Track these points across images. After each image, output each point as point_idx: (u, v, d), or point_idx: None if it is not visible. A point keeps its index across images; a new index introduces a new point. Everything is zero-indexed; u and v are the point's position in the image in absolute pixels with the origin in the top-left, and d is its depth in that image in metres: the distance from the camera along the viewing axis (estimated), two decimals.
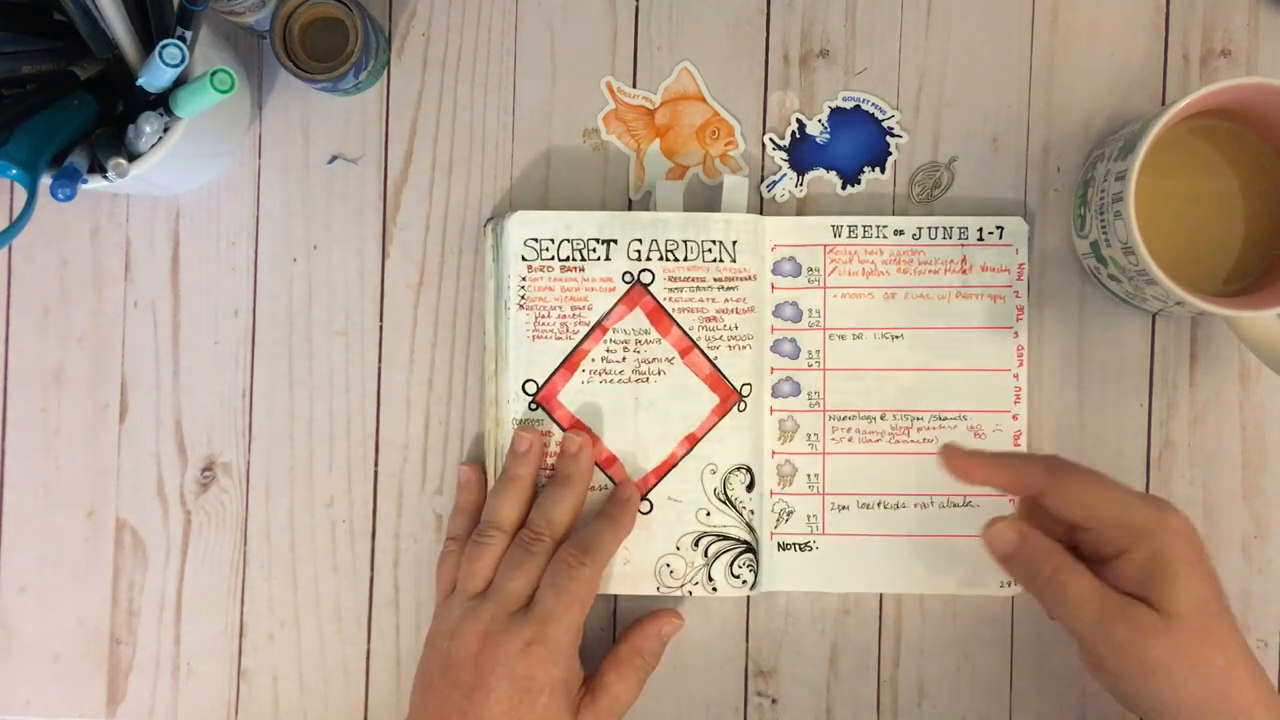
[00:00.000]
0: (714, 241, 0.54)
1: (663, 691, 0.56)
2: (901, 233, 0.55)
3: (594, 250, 0.54)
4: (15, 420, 0.57)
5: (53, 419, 0.57)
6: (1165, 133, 0.48)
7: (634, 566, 0.54)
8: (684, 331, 0.54)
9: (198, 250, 0.57)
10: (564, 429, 0.54)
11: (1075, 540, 0.47)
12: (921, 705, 0.56)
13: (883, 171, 0.56)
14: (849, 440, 0.55)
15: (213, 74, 0.45)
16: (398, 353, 0.56)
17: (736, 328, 0.54)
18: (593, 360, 0.54)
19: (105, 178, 0.47)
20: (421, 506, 0.56)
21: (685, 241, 0.54)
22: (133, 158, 0.48)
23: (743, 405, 0.54)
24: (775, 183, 0.56)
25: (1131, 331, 0.56)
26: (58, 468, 0.57)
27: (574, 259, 0.54)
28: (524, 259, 0.54)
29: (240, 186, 0.57)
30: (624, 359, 0.54)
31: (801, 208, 0.56)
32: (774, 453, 0.55)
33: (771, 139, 0.56)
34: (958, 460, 0.47)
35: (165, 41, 0.45)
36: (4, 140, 0.45)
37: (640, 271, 0.54)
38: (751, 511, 0.54)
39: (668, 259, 0.54)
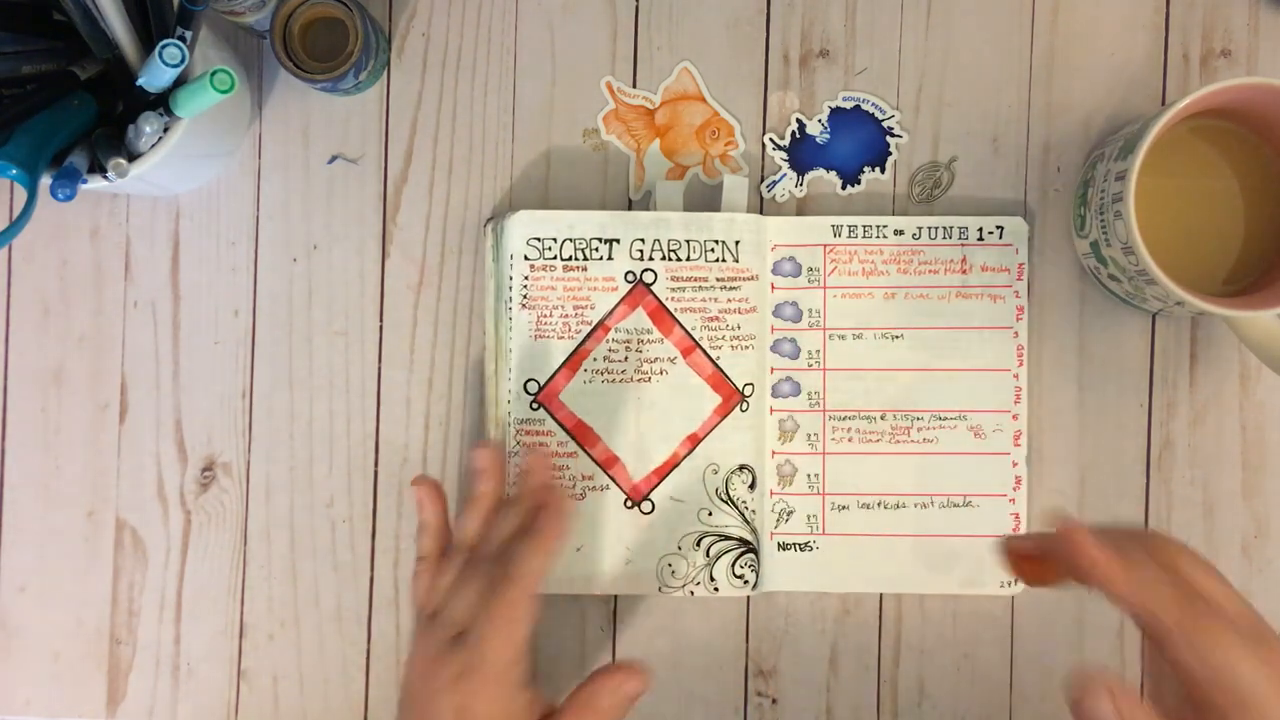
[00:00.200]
0: (717, 241, 0.54)
1: (663, 691, 0.56)
2: (901, 233, 0.55)
3: (596, 250, 0.54)
4: (15, 420, 0.57)
5: (53, 419, 0.57)
6: (1165, 133, 0.48)
7: (635, 566, 0.54)
8: (686, 331, 0.54)
9: (198, 250, 0.57)
10: (566, 429, 0.54)
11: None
12: (921, 705, 0.56)
13: (883, 171, 0.56)
14: (849, 440, 0.55)
15: (213, 74, 0.45)
16: (398, 353, 0.56)
17: (739, 328, 0.54)
18: (595, 360, 0.54)
19: (105, 178, 0.47)
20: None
21: (688, 241, 0.54)
22: (133, 158, 0.48)
23: (745, 405, 0.54)
24: (775, 183, 0.56)
25: (1131, 331, 0.56)
26: (58, 468, 0.57)
27: (576, 258, 0.54)
28: (527, 258, 0.54)
29: (240, 186, 0.57)
30: (626, 359, 0.54)
31: (801, 208, 0.56)
32: (774, 453, 0.55)
33: (771, 139, 0.56)
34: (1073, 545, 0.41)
35: (165, 41, 0.45)
36: (4, 140, 0.45)
37: (643, 271, 0.54)
38: (753, 511, 0.54)
39: (670, 259, 0.54)
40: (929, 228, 0.55)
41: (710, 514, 0.54)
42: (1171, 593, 0.38)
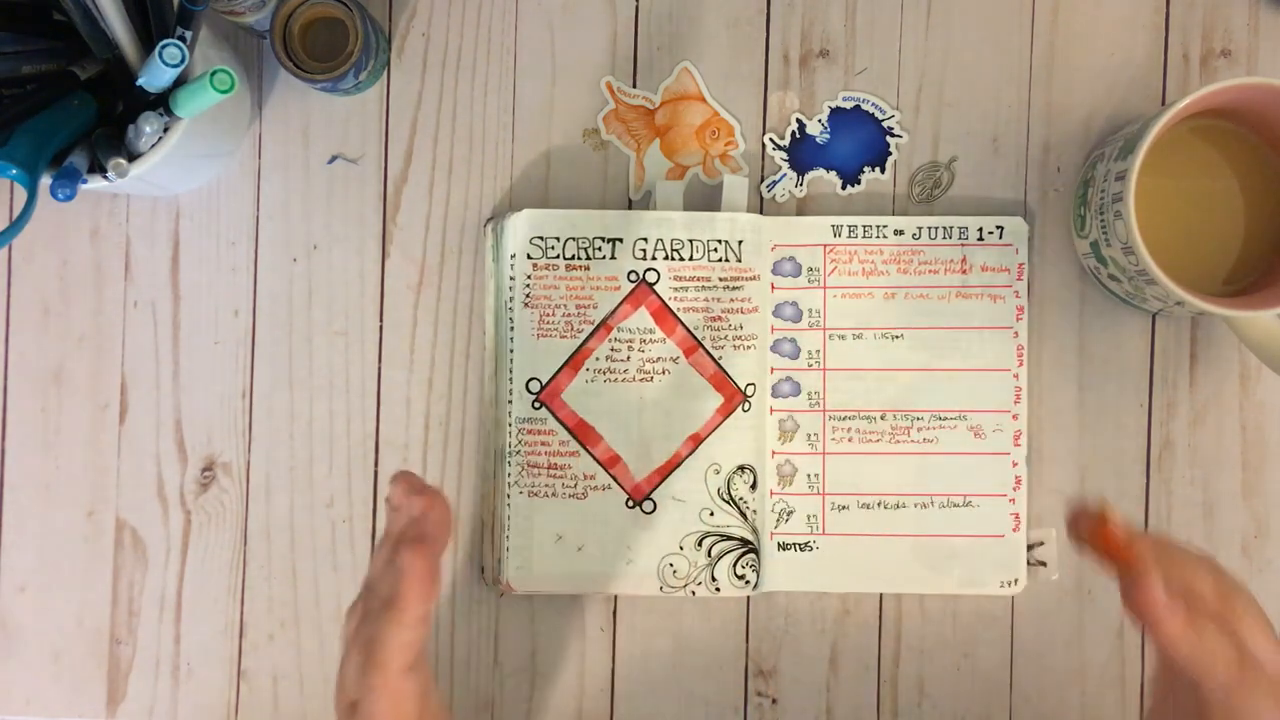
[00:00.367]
0: (719, 241, 0.54)
1: (663, 691, 0.56)
2: (901, 233, 0.55)
3: (599, 249, 0.54)
4: (15, 420, 0.57)
5: (53, 419, 0.57)
6: (1165, 133, 0.48)
7: (637, 566, 0.54)
8: (689, 331, 0.54)
9: (198, 250, 0.57)
10: (568, 428, 0.54)
11: None
12: (921, 705, 0.56)
13: (883, 171, 0.56)
14: (849, 440, 0.55)
15: (213, 74, 0.45)
16: (398, 353, 0.56)
17: (741, 328, 0.54)
18: (597, 359, 0.54)
19: (105, 178, 0.47)
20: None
21: (690, 241, 0.54)
22: (133, 158, 0.48)
23: (747, 405, 0.54)
24: (775, 183, 0.56)
25: (1131, 331, 0.56)
26: (58, 468, 0.57)
27: (579, 257, 0.54)
28: (529, 257, 0.54)
29: (240, 186, 0.57)
30: (628, 358, 0.54)
31: (801, 208, 0.56)
32: (774, 453, 0.55)
33: (771, 139, 0.56)
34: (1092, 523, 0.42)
35: (165, 41, 0.45)
36: (4, 140, 0.45)
37: (645, 270, 0.54)
38: (754, 511, 0.54)
39: (673, 258, 0.54)
40: (929, 228, 0.55)
41: (712, 514, 0.54)
42: (1227, 655, 0.39)
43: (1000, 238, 0.55)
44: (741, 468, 0.54)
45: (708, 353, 0.54)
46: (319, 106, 0.57)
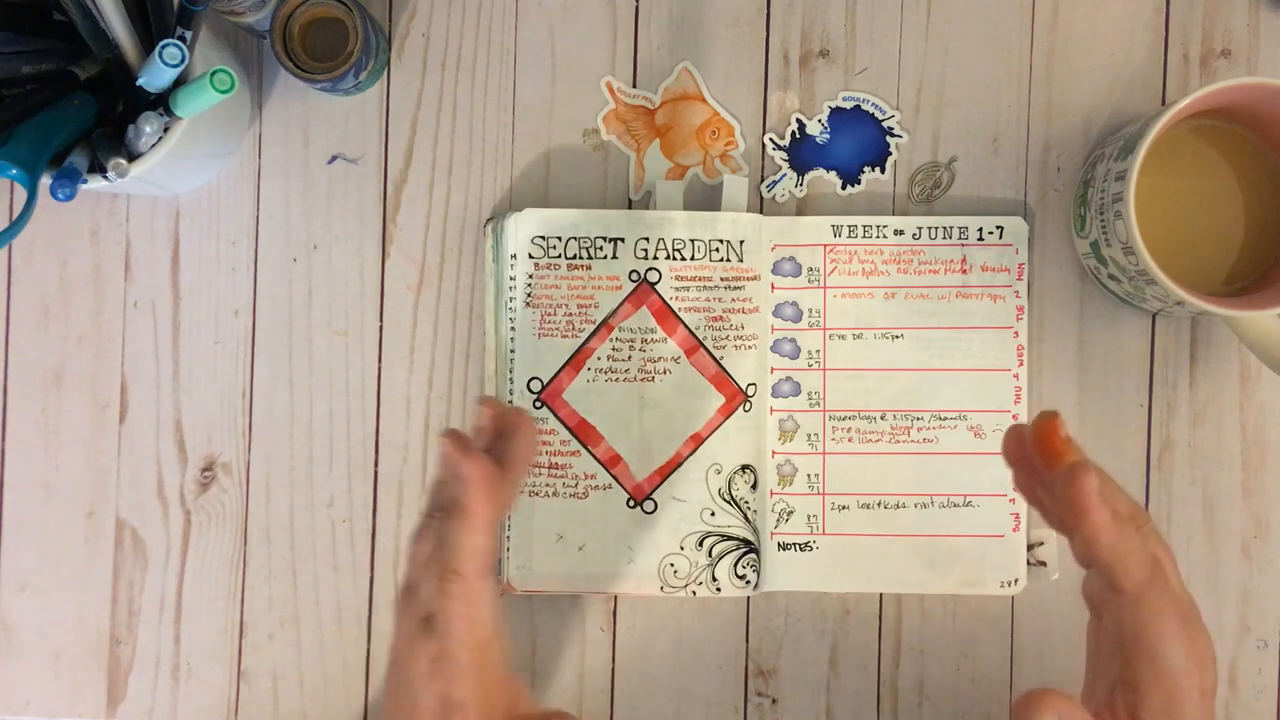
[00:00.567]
0: (721, 241, 0.54)
1: (663, 691, 0.56)
2: (901, 233, 0.55)
3: (601, 248, 0.54)
4: (15, 420, 0.57)
5: (53, 419, 0.57)
6: (1165, 133, 0.48)
7: (637, 566, 0.54)
8: (690, 331, 0.54)
9: (198, 250, 0.57)
10: (569, 428, 0.54)
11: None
12: (921, 705, 0.56)
13: (883, 171, 0.56)
14: (849, 440, 0.55)
15: (213, 74, 0.45)
16: (398, 353, 0.56)
17: (743, 328, 0.54)
18: (598, 359, 0.54)
19: (105, 178, 0.47)
20: (422, 506, 0.56)
21: (692, 240, 0.54)
22: (133, 158, 0.48)
23: (748, 405, 0.54)
24: (775, 183, 0.56)
25: (1131, 331, 0.56)
26: (58, 468, 0.57)
27: (581, 257, 0.54)
28: (531, 256, 0.54)
29: (240, 186, 0.57)
30: (630, 358, 0.54)
31: (801, 208, 0.56)
32: (774, 453, 0.55)
33: (771, 139, 0.56)
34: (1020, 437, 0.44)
35: (165, 41, 0.45)
36: (4, 140, 0.45)
37: (647, 270, 0.54)
38: (755, 511, 0.54)
39: (674, 258, 0.54)
40: (929, 228, 0.55)
41: (713, 514, 0.54)
42: (1142, 559, 0.41)
43: (1000, 238, 0.55)
44: (743, 468, 0.54)
45: (709, 353, 0.54)
46: (319, 106, 0.56)
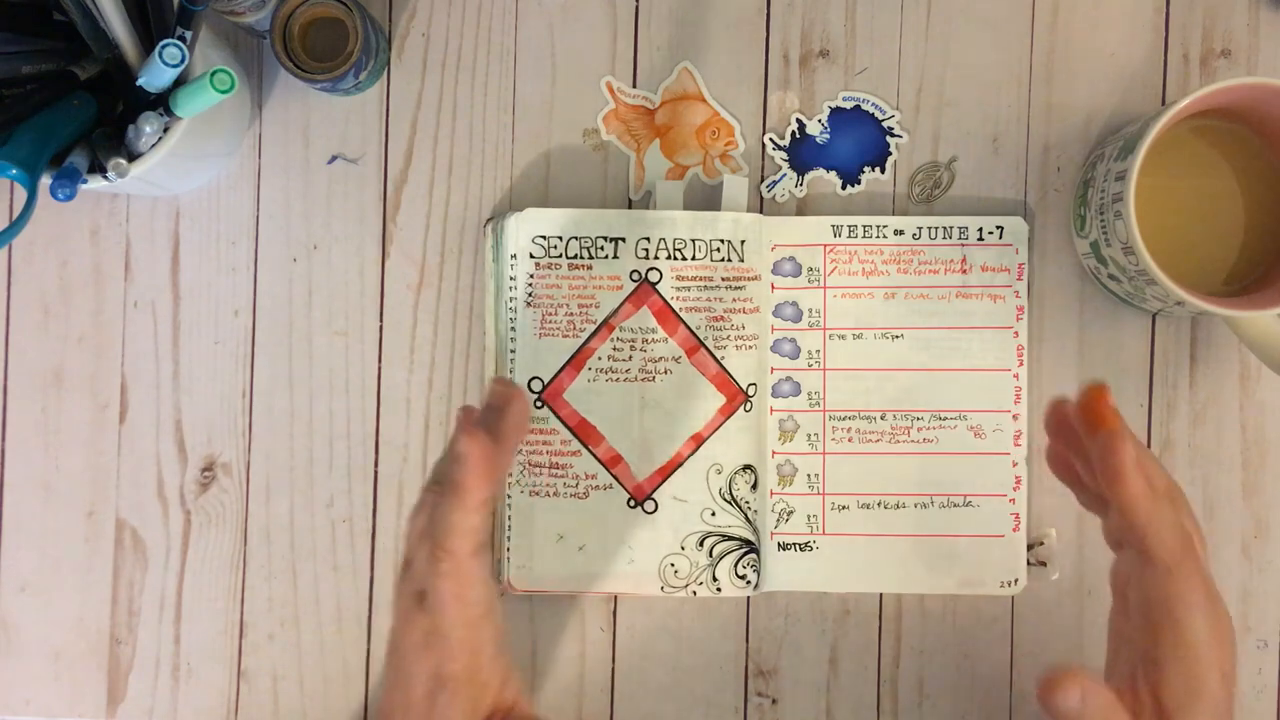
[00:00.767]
0: (722, 241, 0.54)
1: (663, 691, 0.56)
2: (901, 233, 0.55)
3: (602, 248, 0.54)
4: (15, 420, 0.57)
5: (53, 419, 0.57)
6: (1165, 133, 0.48)
7: (638, 566, 0.54)
8: (691, 331, 0.54)
9: (198, 250, 0.57)
10: (569, 427, 0.54)
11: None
12: (921, 705, 0.56)
13: (883, 171, 0.56)
14: (849, 440, 0.55)
15: (213, 74, 0.45)
16: (398, 353, 0.56)
17: (744, 328, 0.54)
18: (599, 359, 0.54)
19: (105, 178, 0.47)
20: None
21: (693, 240, 0.54)
22: (133, 158, 0.48)
23: (749, 405, 0.54)
24: (775, 183, 0.56)
25: (1131, 331, 0.56)
26: (58, 468, 0.57)
27: (582, 256, 0.54)
28: (532, 255, 0.54)
29: (240, 186, 0.57)
30: (630, 358, 0.54)
31: (801, 208, 0.56)
32: (774, 453, 0.55)
33: (771, 139, 0.56)
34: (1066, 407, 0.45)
35: (165, 41, 0.45)
36: (4, 140, 0.45)
37: (648, 270, 0.54)
38: (755, 511, 0.54)
39: (675, 258, 0.54)
40: (929, 228, 0.55)
41: (714, 514, 0.54)
42: (1178, 533, 0.41)
43: (1000, 238, 0.55)
44: (744, 468, 0.54)
45: (710, 353, 0.54)
46: (319, 106, 0.56)
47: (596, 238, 0.54)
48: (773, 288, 0.55)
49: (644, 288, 0.54)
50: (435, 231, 0.56)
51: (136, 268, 0.57)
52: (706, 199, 0.56)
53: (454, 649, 0.42)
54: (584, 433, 0.54)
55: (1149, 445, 0.56)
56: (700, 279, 0.54)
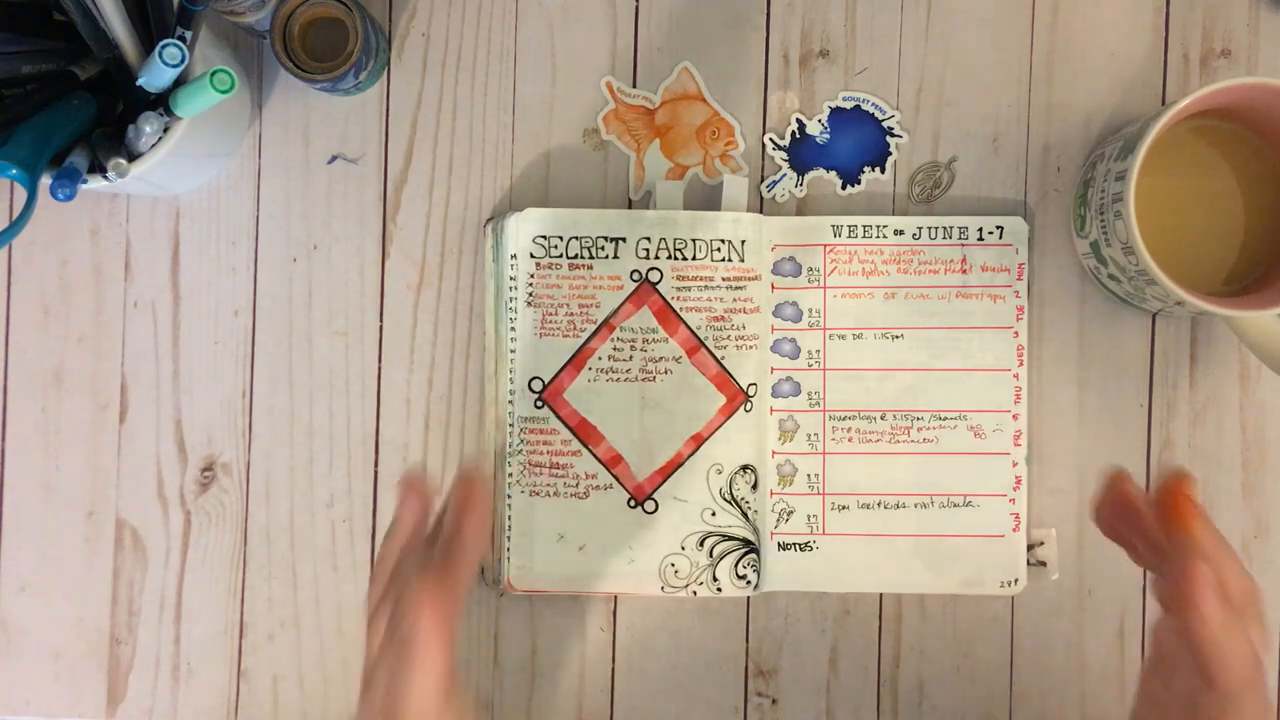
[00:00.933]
0: (723, 241, 0.54)
1: (663, 691, 0.56)
2: (901, 233, 0.55)
3: (603, 248, 0.54)
4: (15, 420, 0.57)
5: (53, 419, 0.57)
6: (1165, 133, 0.48)
7: (638, 566, 0.54)
8: (691, 331, 0.54)
9: (198, 250, 0.57)
10: (570, 427, 0.54)
11: None
12: (921, 705, 0.56)
13: (883, 171, 0.56)
14: (849, 440, 0.55)
15: (213, 74, 0.45)
16: (398, 353, 0.56)
17: (744, 328, 0.54)
18: (599, 358, 0.54)
19: (105, 178, 0.47)
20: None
21: (694, 240, 0.54)
22: (133, 158, 0.48)
23: (749, 405, 0.54)
24: (775, 183, 0.56)
25: (1131, 331, 0.56)
26: (58, 468, 0.57)
27: (582, 256, 0.54)
28: (533, 255, 0.54)
29: (240, 186, 0.57)
30: (631, 357, 0.54)
31: (801, 208, 0.56)
32: (774, 453, 0.55)
33: (771, 139, 0.56)
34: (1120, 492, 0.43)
35: (165, 41, 0.45)
36: (4, 140, 0.45)
37: (648, 270, 0.54)
38: (755, 511, 0.54)
39: (676, 258, 0.54)
40: (929, 228, 0.55)
41: (714, 514, 0.54)
42: (1245, 662, 0.39)
43: (1000, 238, 0.55)
44: (744, 468, 0.54)
45: (710, 353, 0.54)
46: (319, 106, 0.56)
47: (597, 237, 0.54)
48: (773, 288, 0.55)
49: (644, 287, 0.54)
50: (435, 231, 0.56)
51: (136, 268, 0.57)
52: (706, 199, 0.56)
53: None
54: (584, 433, 0.54)
55: (1149, 445, 0.56)
56: (701, 279, 0.54)
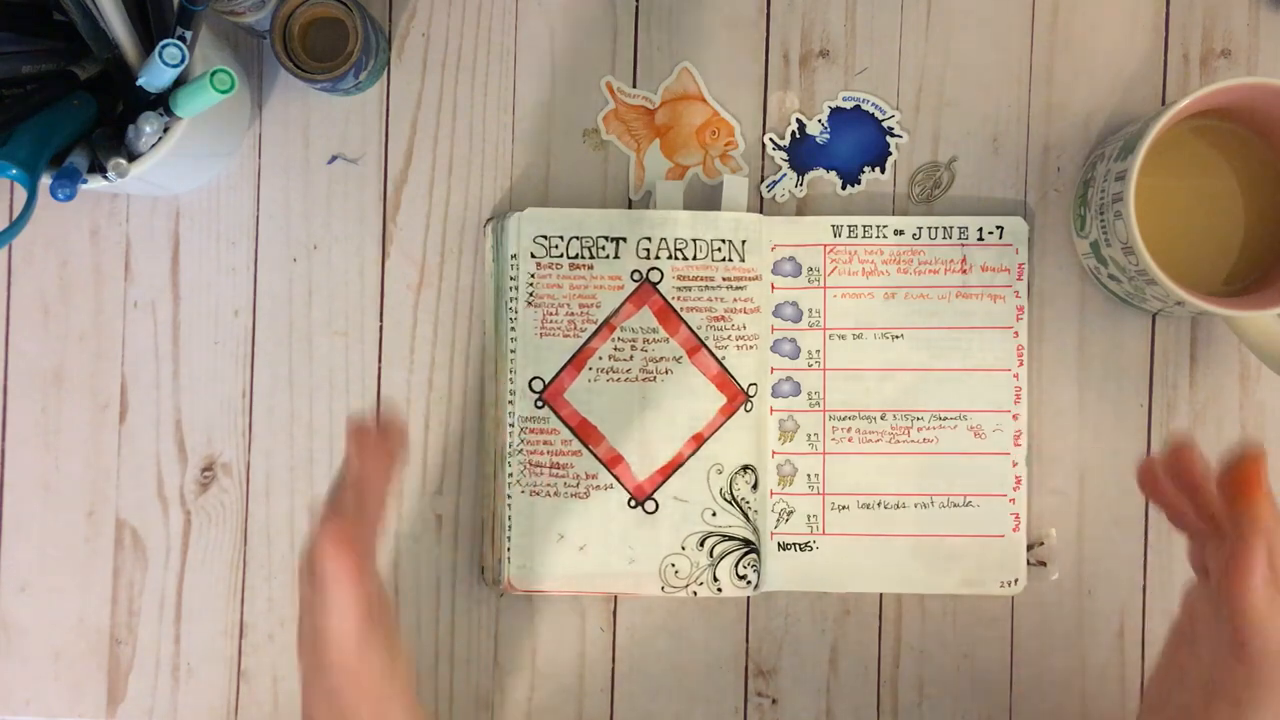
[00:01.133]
0: (723, 240, 0.54)
1: (663, 691, 0.56)
2: (901, 233, 0.55)
3: (603, 248, 0.54)
4: (15, 420, 0.57)
5: (53, 419, 0.57)
6: (1165, 133, 0.48)
7: (638, 566, 0.54)
8: (692, 331, 0.54)
9: (198, 250, 0.57)
10: (570, 427, 0.54)
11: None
12: (921, 705, 0.56)
13: (883, 171, 0.56)
14: (849, 440, 0.55)
15: (213, 74, 0.45)
16: (398, 353, 0.56)
17: (744, 328, 0.54)
18: (600, 358, 0.54)
19: (105, 178, 0.47)
20: (421, 506, 0.56)
21: (694, 240, 0.54)
22: (133, 158, 0.48)
23: (749, 405, 0.54)
24: (775, 183, 0.56)
25: (1131, 331, 0.56)
26: (58, 468, 0.57)
27: (583, 256, 0.54)
28: (533, 255, 0.54)
29: (240, 186, 0.57)
30: (631, 358, 0.54)
31: (801, 208, 0.56)
32: (774, 453, 0.55)
33: (771, 139, 0.56)
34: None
35: (165, 41, 0.45)
36: (4, 140, 0.45)
37: (649, 270, 0.54)
38: (755, 511, 0.54)
39: (676, 258, 0.54)
40: (929, 228, 0.55)
41: (714, 514, 0.54)
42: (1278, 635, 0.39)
43: (1000, 238, 0.55)
44: (744, 468, 0.54)
45: (710, 353, 0.54)
46: (319, 106, 0.56)
47: (597, 237, 0.54)
48: (773, 288, 0.55)
49: (645, 287, 0.54)
50: (435, 231, 0.56)
51: (136, 268, 0.57)
52: (706, 199, 0.56)
53: None
54: (584, 433, 0.54)
55: (1149, 445, 0.56)
56: (701, 279, 0.54)
